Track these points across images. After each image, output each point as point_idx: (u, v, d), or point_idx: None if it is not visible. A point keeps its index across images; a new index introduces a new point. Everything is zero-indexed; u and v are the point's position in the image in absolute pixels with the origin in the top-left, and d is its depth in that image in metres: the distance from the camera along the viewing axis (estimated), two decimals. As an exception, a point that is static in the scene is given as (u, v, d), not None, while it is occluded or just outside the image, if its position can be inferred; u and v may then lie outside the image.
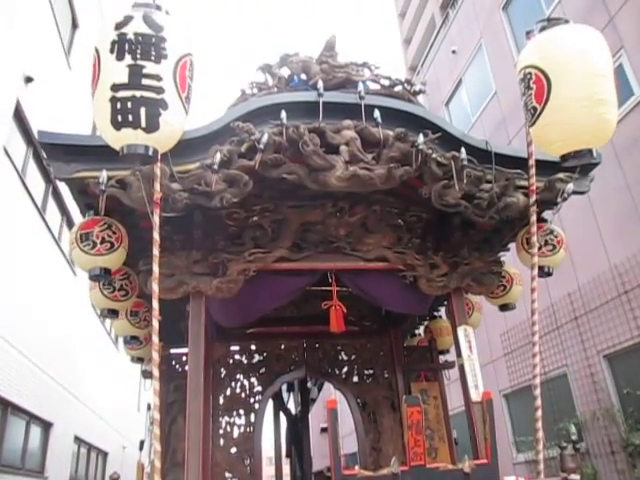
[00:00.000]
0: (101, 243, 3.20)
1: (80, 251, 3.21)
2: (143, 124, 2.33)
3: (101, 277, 3.32)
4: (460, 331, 3.59)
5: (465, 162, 3.19)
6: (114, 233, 3.26)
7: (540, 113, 2.69)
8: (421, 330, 5.59)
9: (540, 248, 3.58)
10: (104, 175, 2.89)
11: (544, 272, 3.68)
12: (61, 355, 10.28)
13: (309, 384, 6.28)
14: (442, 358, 5.13)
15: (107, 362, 14.37)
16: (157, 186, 2.79)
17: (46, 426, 9.86)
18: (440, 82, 15.14)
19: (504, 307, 4.18)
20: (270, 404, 5.62)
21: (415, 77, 18.01)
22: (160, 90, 2.37)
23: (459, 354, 3.59)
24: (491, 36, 12.43)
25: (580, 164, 2.84)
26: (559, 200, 3.34)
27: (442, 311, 4.93)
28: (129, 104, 2.32)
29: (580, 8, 9.11)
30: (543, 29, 2.84)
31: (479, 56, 13.07)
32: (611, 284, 8.17)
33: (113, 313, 3.95)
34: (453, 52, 14.31)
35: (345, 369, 5.00)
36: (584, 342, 8.72)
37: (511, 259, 4.28)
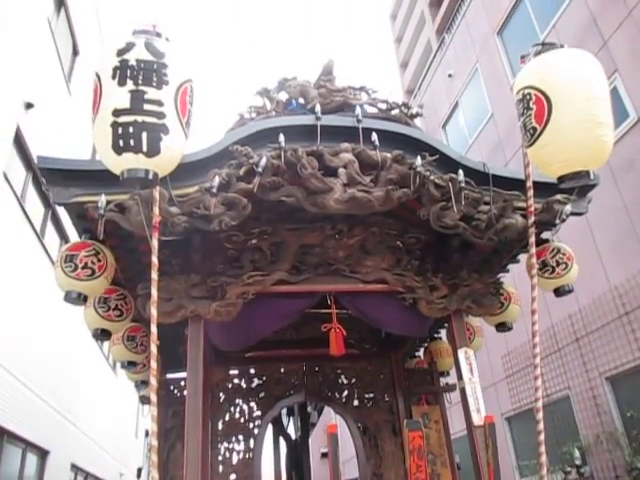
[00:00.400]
0: (82, 268, 3.19)
1: (61, 271, 3.21)
2: (144, 148, 2.34)
3: (75, 301, 3.28)
4: (461, 353, 3.56)
5: (463, 184, 3.20)
6: (99, 261, 3.25)
7: (540, 134, 2.70)
8: (421, 352, 5.55)
9: (554, 270, 3.64)
10: (103, 200, 2.89)
11: (565, 291, 3.73)
12: (58, 381, 10.17)
13: (309, 408, 6.20)
14: (443, 381, 5.09)
15: (105, 388, 14.22)
16: (156, 210, 2.79)
17: (43, 454, 9.70)
18: (437, 105, 15.31)
19: (501, 326, 4.16)
20: (270, 429, 5.54)
21: (412, 100, 18.22)
22: (161, 115, 2.38)
23: (460, 377, 3.56)
24: (487, 60, 12.61)
25: (578, 185, 2.85)
26: (557, 221, 3.35)
27: (442, 332, 4.90)
28: (131, 129, 2.34)
29: (574, 32, 9.26)
30: (538, 53, 2.88)
31: (475, 79, 13.25)
32: (611, 305, 8.14)
33: (105, 334, 3.84)
34: (449, 76, 14.51)
35: (345, 393, 4.95)
36: (586, 364, 8.65)
37: (510, 279, 4.28)
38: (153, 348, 2.76)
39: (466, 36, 13.84)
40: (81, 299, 3.26)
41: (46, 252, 9.50)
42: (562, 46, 2.88)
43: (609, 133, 2.68)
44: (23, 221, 8.42)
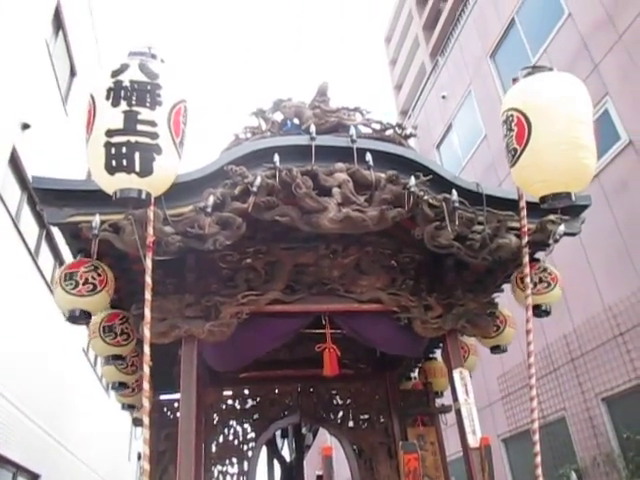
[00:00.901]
0: (84, 284, 3.17)
1: (62, 290, 3.17)
2: (137, 168, 2.35)
3: (79, 320, 3.25)
4: (456, 374, 3.54)
5: (457, 204, 3.22)
6: (99, 275, 3.23)
7: (520, 154, 2.73)
8: (416, 372, 5.52)
9: (535, 286, 3.59)
10: (97, 220, 2.89)
11: (542, 311, 3.69)
12: (50, 403, 10.03)
13: (304, 430, 6.13)
14: (439, 402, 5.05)
15: (98, 410, 14.03)
16: (150, 230, 2.79)
17: (33, 478, 9.52)
18: (431, 126, 15.47)
19: (496, 349, 4.14)
20: (264, 451, 5.47)
21: (406, 121, 18.40)
22: (155, 135, 2.40)
23: (455, 398, 3.53)
24: (480, 82, 12.78)
25: (559, 207, 2.87)
26: (551, 241, 3.37)
27: (437, 352, 4.88)
28: (124, 149, 2.35)
29: (565, 56, 9.41)
30: (528, 75, 2.93)
31: (468, 101, 13.41)
32: (606, 325, 8.14)
33: (118, 358, 3.88)
34: (443, 97, 14.68)
35: (340, 414, 4.90)
36: (582, 385, 8.61)
37: (505, 301, 4.28)
38: (146, 369, 2.73)
39: (459, 59, 14.04)
40: (84, 317, 3.22)
41: (40, 273, 9.45)
42: (551, 69, 2.93)
43: (591, 156, 2.70)
44: (17, 241, 8.38)
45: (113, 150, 2.35)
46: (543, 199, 2.75)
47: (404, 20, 28.88)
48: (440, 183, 3.41)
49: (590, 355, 8.46)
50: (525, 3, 11.06)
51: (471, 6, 13.56)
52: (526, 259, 3.24)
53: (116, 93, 2.42)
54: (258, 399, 4.82)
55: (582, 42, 9.19)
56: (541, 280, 3.66)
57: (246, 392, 4.84)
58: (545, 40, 10.20)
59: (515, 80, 3.10)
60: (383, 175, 3.27)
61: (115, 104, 2.41)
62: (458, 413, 3.49)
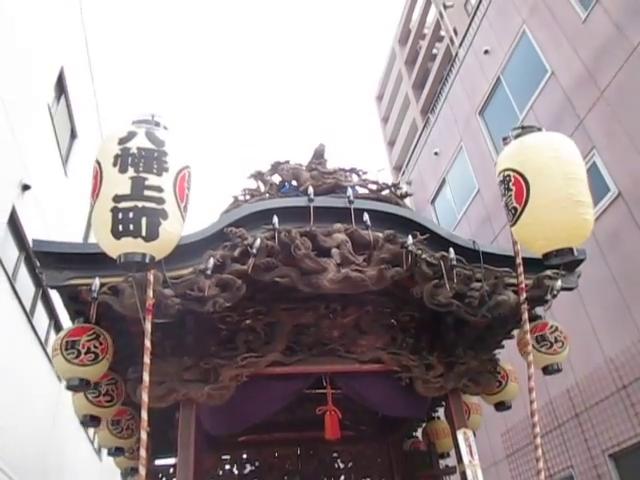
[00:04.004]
0: (86, 353, 3.13)
1: (63, 359, 3.12)
2: (143, 233, 2.39)
3: (79, 388, 3.21)
4: (460, 435, 3.47)
5: (454, 262, 3.26)
6: (100, 344, 3.20)
7: (521, 213, 2.81)
8: (419, 433, 5.39)
9: (551, 346, 3.63)
10: (97, 283, 2.90)
11: (554, 369, 3.69)
12: (39, 465, 9.67)
13: (304, 495, 5.92)
14: (442, 463, 4.91)
15: (89, 474, 13.51)
16: (150, 292, 2.80)
17: None
18: (425, 181, 15.74)
19: (500, 405, 4.08)
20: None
21: (400, 176, 18.75)
22: (161, 201, 2.45)
23: (460, 460, 3.45)
24: (470, 138, 13.12)
25: (563, 262, 2.92)
26: (549, 297, 3.38)
27: (439, 411, 4.78)
28: (131, 214, 2.39)
29: (551, 112, 9.72)
30: (518, 135, 3.04)
31: (460, 156, 13.71)
32: (609, 378, 8.03)
33: (94, 420, 3.72)
34: (435, 154, 15.02)
35: (342, 478, 4.75)
36: (587, 441, 8.40)
37: (505, 356, 4.24)
38: (143, 435, 2.67)
39: (449, 116, 14.47)
40: (83, 385, 3.17)
41: (35, 333, 9.33)
42: (540, 129, 3.05)
43: (589, 211, 2.79)
44: (13, 301, 8.32)
45: (120, 215, 2.40)
46: (546, 256, 2.80)
47: (394, 79, 29.90)
48: (437, 241, 3.46)
49: (594, 410, 8.30)
50: (509, 63, 11.52)
51: (458, 66, 14.10)
52: (525, 316, 3.25)
53: (124, 160, 2.49)
54: (257, 463, 4.69)
55: (566, 98, 9.51)
56: (556, 340, 3.68)
57: (245, 456, 4.71)
58: (531, 97, 10.55)
59: (505, 139, 3.21)
60: (381, 235, 3.32)
61: (123, 170, 2.47)
62: (463, 475, 3.40)
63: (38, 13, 9.14)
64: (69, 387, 3.19)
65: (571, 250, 2.78)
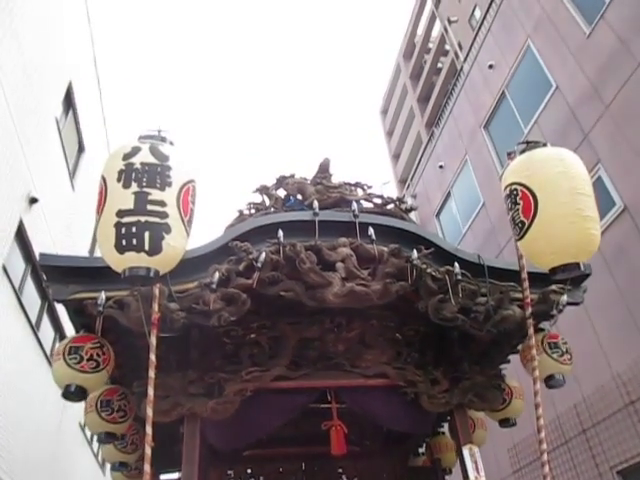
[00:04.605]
0: (88, 360, 3.14)
1: (63, 363, 3.12)
2: (146, 247, 2.41)
3: (74, 396, 3.18)
4: (465, 451, 3.44)
5: (459, 276, 3.25)
6: (104, 354, 3.21)
7: (528, 227, 2.82)
8: (424, 448, 5.34)
9: (563, 355, 3.64)
10: (103, 297, 2.92)
11: (560, 381, 3.65)
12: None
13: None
14: (448, 479, 4.85)
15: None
16: (155, 306, 2.81)
17: None
18: (430, 195, 15.75)
19: (504, 422, 4.04)
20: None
21: (405, 190, 18.76)
22: (164, 215, 2.47)
23: (466, 476, 3.42)
24: (475, 152, 13.14)
25: (569, 277, 2.91)
26: (554, 312, 3.37)
27: (444, 426, 4.74)
28: (134, 229, 2.41)
29: (556, 126, 9.73)
30: (523, 151, 3.05)
31: (465, 170, 13.72)
32: (616, 394, 7.94)
33: (111, 437, 3.73)
34: (440, 167, 15.04)
35: (347, 494, 4.71)
36: (595, 457, 8.30)
37: (512, 371, 4.21)
38: (147, 450, 2.66)
39: (454, 130, 14.51)
40: (79, 394, 3.16)
41: (41, 346, 9.35)
42: (545, 144, 3.06)
43: (596, 226, 2.80)
44: (19, 313, 8.35)
45: (123, 230, 2.42)
46: (553, 270, 2.80)
47: (399, 93, 30.08)
48: (442, 255, 3.46)
49: (602, 425, 8.21)
50: (514, 77, 11.56)
51: (463, 80, 14.16)
52: (531, 330, 3.23)
53: (127, 175, 2.52)
54: (261, 478, 4.65)
55: (571, 113, 9.53)
56: (567, 351, 3.69)
57: (249, 471, 4.67)
58: (536, 111, 10.58)
59: (510, 154, 3.23)
60: (386, 249, 3.32)
61: (126, 185, 2.50)
62: (469, 492, 3.36)
63: (47, 28, 9.28)
64: (65, 394, 3.18)
65: (578, 265, 2.78)
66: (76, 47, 11.30)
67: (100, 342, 3.23)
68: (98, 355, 3.18)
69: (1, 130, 7.42)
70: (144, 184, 2.50)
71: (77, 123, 11.46)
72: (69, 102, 10.84)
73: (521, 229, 2.85)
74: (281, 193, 3.88)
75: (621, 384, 7.87)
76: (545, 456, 3.04)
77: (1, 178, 7.43)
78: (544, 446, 3.05)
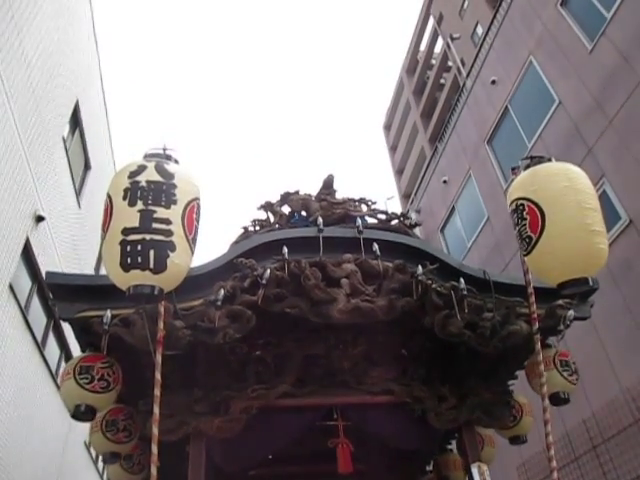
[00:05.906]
0: (99, 380, 3.14)
1: (74, 383, 3.12)
2: (151, 265, 2.41)
3: (84, 416, 3.17)
4: (474, 469, 3.39)
5: (465, 292, 3.24)
6: (114, 373, 3.22)
7: (536, 242, 2.80)
8: (431, 465, 5.26)
9: (572, 374, 3.62)
10: (108, 315, 2.92)
11: (564, 398, 3.63)
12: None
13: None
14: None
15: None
16: (160, 324, 2.80)
17: None
18: (434, 209, 15.74)
19: (515, 440, 3.99)
20: None
21: (409, 205, 18.78)
22: (169, 233, 2.48)
23: (475, 495, 3.37)
24: (479, 167, 13.16)
25: (578, 292, 2.89)
26: (562, 327, 3.34)
27: (451, 443, 4.68)
28: (139, 247, 2.42)
29: (559, 140, 9.75)
30: (527, 166, 3.05)
31: (469, 185, 13.73)
32: (625, 409, 7.84)
33: (115, 457, 3.71)
34: (444, 182, 15.05)
35: (354, 513, 4.63)
36: (606, 474, 8.16)
37: (520, 388, 4.17)
38: (153, 470, 2.64)
39: (457, 145, 14.55)
40: (89, 413, 3.16)
41: (47, 364, 9.34)
42: (549, 159, 3.06)
43: (603, 240, 2.79)
44: (25, 332, 8.36)
45: (128, 248, 2.43)
46: (561, 285, 2.78)
47: (402, 108, 30.26)
48: (447, 271, 3.45)
49: (612, 442, 8.08)
50: (517, 93, 11.62)
51: (465, 95, 14.23)
52: (538, 346, 3.21)
53: (133, 193, 2.53)
54: (267, 498, 4.59)
55: (575, 127, 9.54)
56: (576, 371, 3.69)
57: (254, 492, 4.62)
58: (539, 126, 10.60)
59: (514, 169, 3.23)
60: (390, 264, 3.32)
61: (132, 203, 2.51)
62: (479, 512, 3.31)
63: (54, 48, 9.42)
64: (74, 414, 3.17)
65: (587, 280, 2.76)
66: (82, 66, 11.46)
67: (109, 361, 3.22)
68: (109, 375, 3.18)
69: (9, 150, 7.50)
70: (149, 202, 2.52)
71: (83, 141, 11.58)
72: (76, 121, 10.96)
73: (528, 244, 2.84)
74: (285, 210, 3.89)
75: (630, 399, 7.77)
76: (555, 474, 2.99)
77: (8, 197, 7.49)
78: (554, 463, 3.01)
